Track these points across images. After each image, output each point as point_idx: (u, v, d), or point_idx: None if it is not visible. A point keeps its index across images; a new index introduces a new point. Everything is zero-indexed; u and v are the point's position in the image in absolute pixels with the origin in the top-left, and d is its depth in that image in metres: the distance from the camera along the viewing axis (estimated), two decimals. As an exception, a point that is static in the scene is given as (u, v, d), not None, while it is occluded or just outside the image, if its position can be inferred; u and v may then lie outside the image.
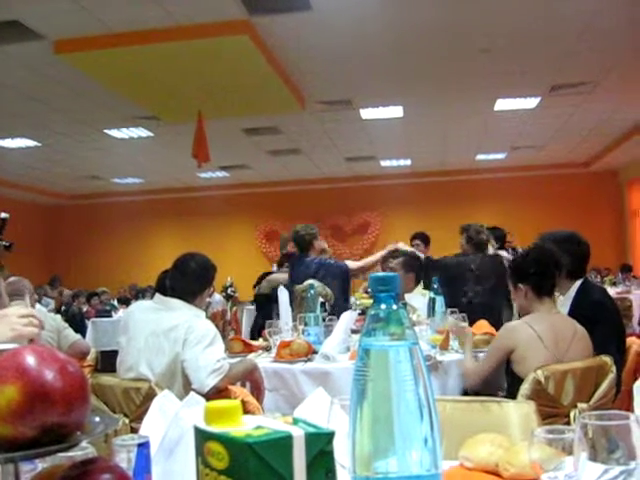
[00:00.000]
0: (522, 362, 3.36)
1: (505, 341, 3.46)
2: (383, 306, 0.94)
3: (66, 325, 5.28)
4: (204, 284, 3.81)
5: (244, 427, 0.78)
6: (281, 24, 7.37)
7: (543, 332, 3.35)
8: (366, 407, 0.89)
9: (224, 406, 0.81)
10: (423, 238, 7.70)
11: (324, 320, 4.71)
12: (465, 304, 5.74)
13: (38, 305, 6.61)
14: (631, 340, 3.93)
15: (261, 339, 5.01)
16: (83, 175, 15.76)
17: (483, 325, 4.84)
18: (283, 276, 7.55)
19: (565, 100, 10.71)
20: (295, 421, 0.80)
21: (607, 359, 3.29)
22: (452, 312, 4.45)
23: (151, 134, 12.01)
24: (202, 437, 0.80)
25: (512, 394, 3.17)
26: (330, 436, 0.78)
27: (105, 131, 11.64)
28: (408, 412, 0.88)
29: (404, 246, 6.41)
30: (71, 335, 5.17)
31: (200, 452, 0.80)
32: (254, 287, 9.42)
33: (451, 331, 4.06)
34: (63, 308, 11.22)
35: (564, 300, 3.97)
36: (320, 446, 0.77)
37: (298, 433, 0.76)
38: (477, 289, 5.86)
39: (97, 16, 6.93)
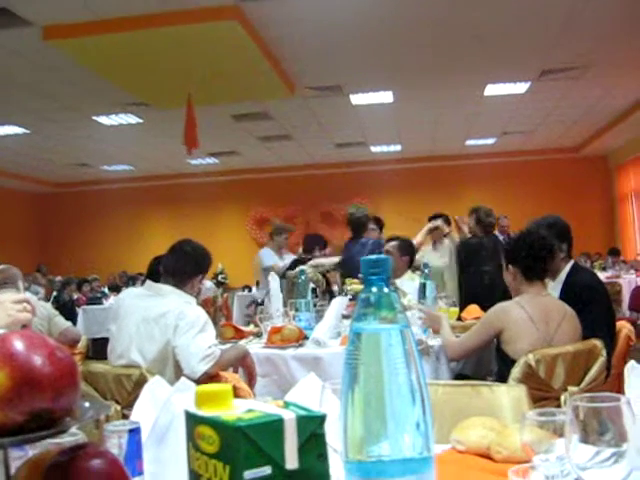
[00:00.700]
0: (512, 342, 3.40)
1: (495, 321, 3.50)
2: (374, 289, 0.93)
3: (56, 313, 5.26)
4: (197, 269, 3.80)
5: (235, 411, 0.77)
6: (271, 9, 7.33)
7: (534, 312, 3.39)
8: (358, 391, 0.89)
9: (215, 390, 0.81)
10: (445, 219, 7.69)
11: (315, 306, 4.72)
12: (487, 285, 5.82)
13: (27, 293, 6.57)
14: (621, 324, 3.95)
15: (252, 325, 5.01)
16: (72, 162, 15.68)
17: (474, 310, 4.87)
18: (330, 260, 7.43)
19: (555, 85, 10.71)
20: (286, 405, 0.80)
21: (597, 342, 3.31)
22: (443, 297, 4.46)
23: (140, 120, 11.95)
24: (193, 421, 0.79)
25: (502, 377, 3.19)
26: (321, 419, 0.78)
27: (94, 118, 11.57)
28: (400, 396, 0.87)
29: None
30: (61, 322, 5.16)
31: (191, 436, 0.80)
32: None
33: (424, 321, 4.04)
34: (54, 294, 11.18)
35: (555, 284, 3.99)
36: (311, 429, 0.76)
37: (289, 416, 0.75)
38: (494, 270, 5.87)
39: (86, 2, 6.87)
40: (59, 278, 13.61)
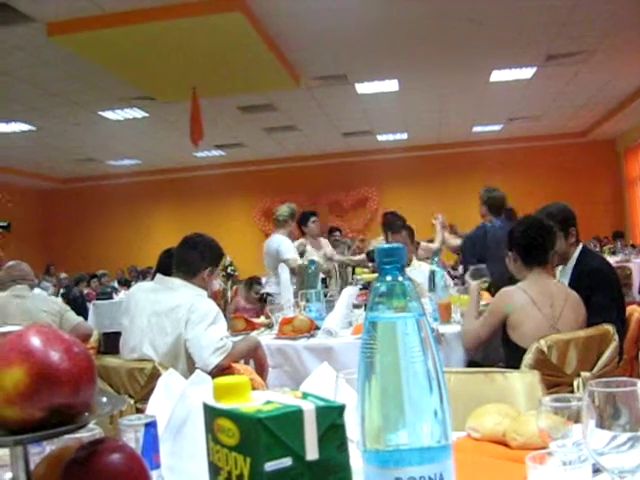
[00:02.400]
0: (518, 327, 3.42)
1: (501, 306, 3.52)
2: (389, 278, 0.93)
3: (68, 308, 5.28)
4: (208, 262, 3.79)
5: (254, 403, 0.77)
6: (274, 1, 7.31)
7: (537, 296, 3.42)
8: (374, 380, 0.88)
9: (233, 382, 0.81)
10: None
11: (325, 296, 4.72)
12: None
13: (37, 289, 6.60)
14: (632, 308, 3.94)
15: (263, 317, 5.02)
16: (78, 158, 15.70)
17: (484, 297, 4.86)
18: (434, 245, 7.33)
19: (561, 70, 10.66)
20: (305, 395, 0.80)
21: (609, 327, 3.31)
22: (454, 284, 4.46)
23: (146, 114, 11.96)
24: (212, 414, 0.79)
25: (511, 365, 3.18)
26: (341, 409, 0.78)
27: (100, 113, 11.58)
28: (417, 384, 0.87)
29: None
30: (72, 317, 5.17)
31: (210, 429, 0.80)
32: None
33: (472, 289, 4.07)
34: (62, 291, 11.21)
35: (565, 269, 3.98)
36: (331, 419, 0.76)
37: (309, 407, 0.75)
38: None
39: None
40: (64, 275, 13.64)
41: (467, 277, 4.28)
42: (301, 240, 7.38)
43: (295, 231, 7.28)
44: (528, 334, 3.33)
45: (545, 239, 3.59)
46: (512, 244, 3.66)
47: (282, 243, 6.90)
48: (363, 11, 7.73)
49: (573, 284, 3.74)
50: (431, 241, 7.46)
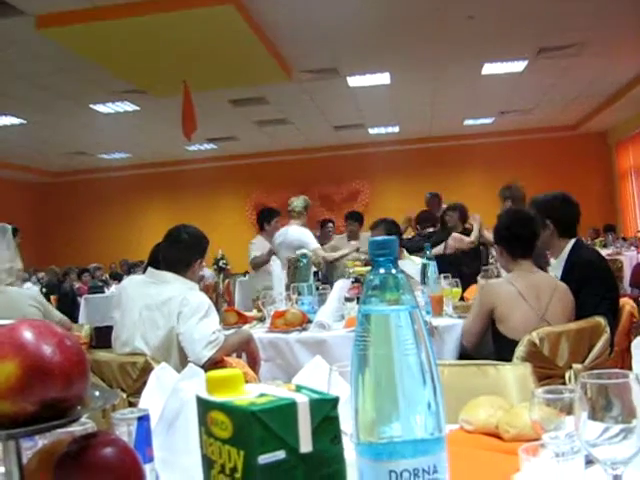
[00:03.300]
0: (505, 320, 3.44)
1: (485, 298, 3.56)
2: (382, 270, 0.93)
3: (49, 304, 5.23)
4: (196, 254, 3.79)
5: (247, 396, 0.77)
6: (265, -7, 7.30)
7: (523, 288, 3.43)
8: (368, 373, 0.88)
9: (226, 375, 0.80)
10: None
11: (317, 289, 4.72)
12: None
13: (28, 283, 6.57)
14: (624, 300, 3.95)
15: (255, 310, 5.02)
16: (70, 151, 15.65)
17: (475, 290, 4.87)
18: (468, 239, 7.13)
19: (553, 63, 10.68)
20: (298, 388, 0.80)
21: (601, 320, 3.32)
22: (445, 277, 4.46)
23: (137, 108, 11.92)
24: (205, 407, 0.79)
25: (501, 357, 3.19)
26: (334, 402, 0.78)
27: (91, 106, 11.54)
28: (411, 376, 0.87)
29: None
30: (56, 313, 5.14)
31: (203, 422, 0.80)
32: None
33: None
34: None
35: (557, 262, 3.99)
36: (325, 412, 0.76)
37: (302, 400, 0.75)
38: None
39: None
40: (55, 269, 13.52)
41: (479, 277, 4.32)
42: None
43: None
44: (516, 326, 3.35)
45: (526, 229, 3.61)
46: (496, 237, 3.71)
47: (304, 234, 7.08)
48: (354, 4, 7.72)
49: (565, 277, 3.75)
50: (464, 233, 7.31)
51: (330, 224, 10.38)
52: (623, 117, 15.11)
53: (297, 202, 7.30)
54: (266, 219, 7.51)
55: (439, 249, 6.76)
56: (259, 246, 7.26)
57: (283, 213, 7.65)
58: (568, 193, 4.18)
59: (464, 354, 3.83)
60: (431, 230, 7.61)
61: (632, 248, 11.72)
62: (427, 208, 8.33)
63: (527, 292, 3.43)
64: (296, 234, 7.05)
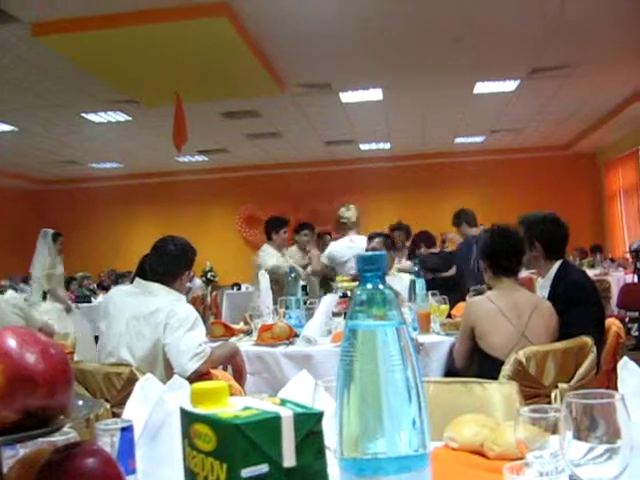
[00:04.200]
0: (486, 337, 3.45)
1: (466, 317, 3.58)
2: (370, 286, 0.93)
3: (30, 310, 5.22)
4: (183, 266, 3.78)
5: (231, 408, 0.77)
6: (260, 7, 7.30)
7: (503, 306, 3.45)
8: (353, 388, 0.88)
9: (210, 387, 0.80)
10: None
11: (305, 303, 4.72)
12: None
13: (10, 291, 6.53)
14: (610, 321, 3.97)
15: (242, 323, 5.01)
16: (60, 160, 15.59)
17: (462, 307, 4.88)
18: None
19: (544, 83, 10.73)
20: (283, 402, 0.80)
21: (587, 339, 3.32)
22: (432, 294, 4.47)
23: (129, 118, 11.90)
24: (188, 419, 0.79)
25: (484, 374, 3.19)
26: (319, 416, 0.77)
27: (83, 115, 11.51)
28: (396, 393, 0.87)
29: None
30: (37, 318, 5.13)
31: (187, 434, 0.79)
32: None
33: None
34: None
35: (544, 282, 4.00)
36: (309, 427, 0.76)
37: (286, 414, 0.75)
38: None
39: (74, -2, 6.84)
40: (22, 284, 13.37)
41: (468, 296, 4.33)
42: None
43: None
44: (497, 343, 3.37)
45: (509, 246, 3.62)
46: (480, 253, 3.76)
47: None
48: (348, 20, 7.74)
49: (552, 297, 3.76)
50: (412, 252, 7.46)
51: (327, 236, 10.42)
52: (612, 138, 15.20)
53: (349, 213, 7.38)
54: (275, 229, 7.38)
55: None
56: (271, 253, 7.14)
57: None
58: (556, 215, 4.19)
59: (451, 371, 3.83)
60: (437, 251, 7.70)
61: (620, 269, 11.78)
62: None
63: (507, 310, 3.45)
64: (363, 245, 6.69)
